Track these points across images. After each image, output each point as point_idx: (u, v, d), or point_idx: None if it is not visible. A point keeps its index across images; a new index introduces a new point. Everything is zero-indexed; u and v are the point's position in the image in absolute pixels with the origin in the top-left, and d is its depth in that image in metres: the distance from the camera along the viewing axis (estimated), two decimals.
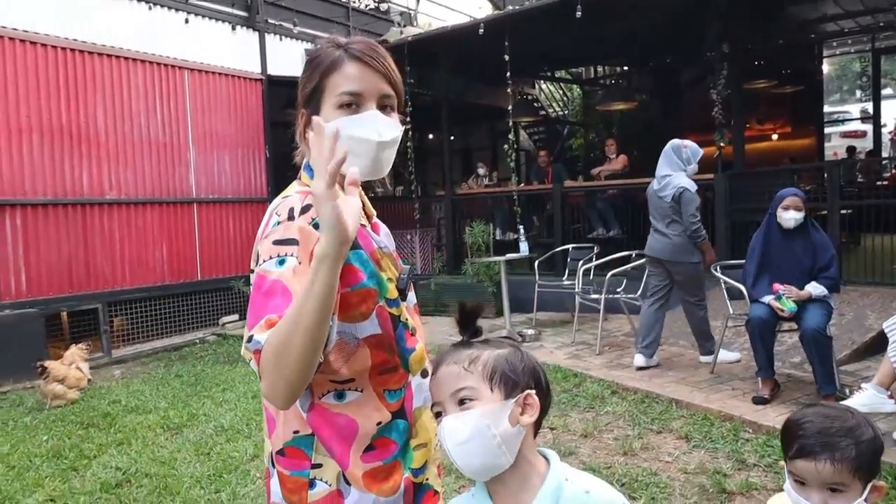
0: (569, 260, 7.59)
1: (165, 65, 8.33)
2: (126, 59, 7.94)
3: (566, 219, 8.92)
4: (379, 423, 1.26)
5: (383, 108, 1.29)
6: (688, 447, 3.92)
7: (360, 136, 1.24)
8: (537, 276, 7.41)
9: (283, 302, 1.08)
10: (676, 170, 5.39)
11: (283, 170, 10.05)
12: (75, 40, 7.48)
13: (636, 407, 4.58)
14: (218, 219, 8.85)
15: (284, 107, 9.89)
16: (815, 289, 4.37)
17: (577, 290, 6.62)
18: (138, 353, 7.51)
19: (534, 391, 1.19)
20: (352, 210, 1.07)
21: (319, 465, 1.24)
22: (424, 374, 1.36)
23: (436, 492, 1.37)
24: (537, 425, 1.21)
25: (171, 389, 5.79)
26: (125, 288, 7.78)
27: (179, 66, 8.48)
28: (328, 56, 1.28)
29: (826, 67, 16.59)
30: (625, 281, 6.52)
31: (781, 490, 3.23)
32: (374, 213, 1.43)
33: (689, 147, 5.45)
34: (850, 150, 13.42)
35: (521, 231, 7.57)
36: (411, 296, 1.42)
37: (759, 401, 4.39)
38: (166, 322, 8.18)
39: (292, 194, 1.25)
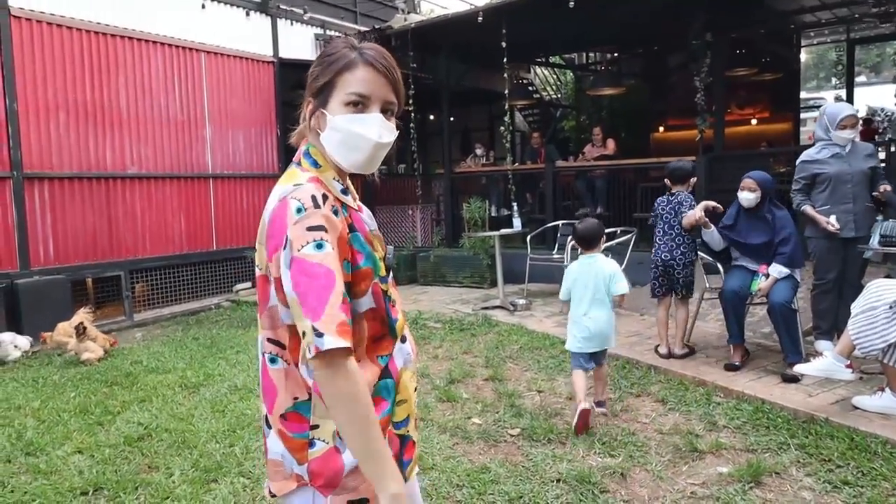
0: (559, 235, 7.58)
1: (183, 47, 8.22)
2: (147, 41, 7.83)
3: (557, 196, 8.90)
4: (374, 385, 1.32)
5: (385, 112, 1.33)
6: (664, 409, 3.96)
7: (363, 133, 1.29)
8: (529, 250, 7.41)
9: (338, 291, 1.15)
10: (821, 137, 4.63)
11: (293, 147, 9.97)
12: (99, 23, 7.36)
13: (617, 372, 4.61)
14: (232, 193, 8.81)
15: (294, 88, 9.79)
16: (776, 272, 4.37)
17: (565, 263, 6.62)
18: (158, 317, 7.53)
19: None
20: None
21: (317, 427, 1.28)
22: (403, 339, 1.42)
23: (414, 442, 1.43)
24: None
25: (189, 351, 5.81)
26: (146, 256, 7.77)
27: (197, 49, 8.36)
28: (344, 56, 1.30)
29: (803, 56, 16.39)
30: (609, 255, 6.51)
31: (749, 450, 3.27)
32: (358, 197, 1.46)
33: (827, 110, 4.63)
34: None
35: (515, 208, 7.54)
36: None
37: (730, 367, 4.43)
38: (184, 288, 8.19)
39: (304, 182, 1.26)
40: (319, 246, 1.16)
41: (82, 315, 5.81)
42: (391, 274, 1.44)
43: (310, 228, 1.17)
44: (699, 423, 3.71)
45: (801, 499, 2.86)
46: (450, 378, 4.65)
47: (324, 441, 1.28)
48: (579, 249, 4.12)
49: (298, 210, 1.19)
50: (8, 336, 5.85)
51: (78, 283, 7.20)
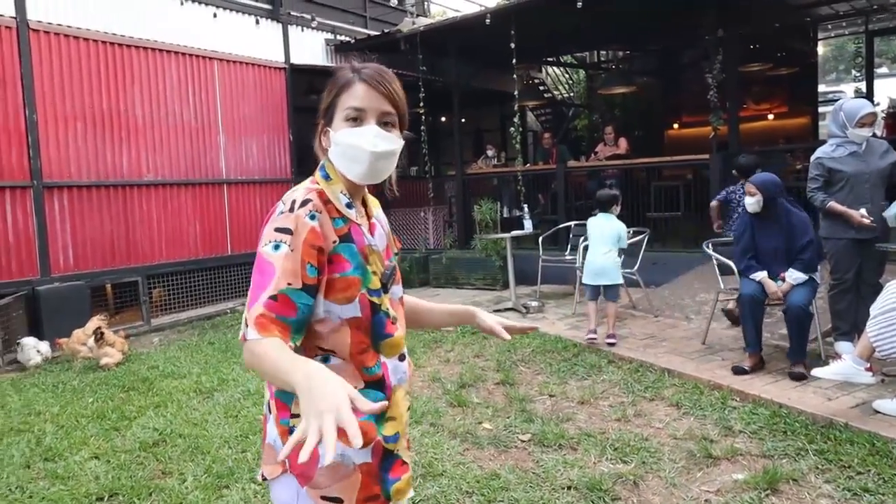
0: (571, 236, 7.52)
1: (196, 56, 8.28)
2: (161, 51, 7.89)
3: (569, 197, 8.83)
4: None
5: (384, 124, 1.38)
6: (678, 414, 3.90)
7: (357, 144, 1.35)
8: (541, 251, 7.36)
9: (269, 289, 1.23)
10: (836, 134, 4.47)
11: (305, 151, 10.03)
12: (114, 34, 7.43)
13: (631, 376, 4.56)
14: (246, 198, 8.85)
15: (306, 93, 9.82)
16: (793, 278, 4.28)
17: (577, 264, 6.56)
18: (175, 321, 7.59)
19: None
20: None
21: (297, 416, 1.31)
22: (402, 357, 1.46)
23: (404, 462, 1.45)
24: None
25: (204, 356, 5.85)
26: (162, 262, 7.84)
27: (209, 57, 8.42)
28: (343, 78, 1.40)
29: (821, 49, 16.08)
30: (623, 256, 6.45)
31: (766, 456, 3.20)
32: (375, 213, 1.52)
33: (844, 107, 4.42)
34: None
35: (526, 210, 7.49)
36: (397, 289, 1.51)
37: (738, 370, 4.35)
38: (200, 293, 8.25)
39: (300, 188, 1.36)
40: (276, 247, 1.26)
41: (98, 321, 5.87)
42: (396, 291, 1.49)
43: (276, 230, 1.29)
44: (714, 428, 3.64)
45: None
46: (461, 382, 4.62)
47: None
48: (597, 209, 5.59)
49: (280, 212, 1.31)
50: (31, 341, 5.93)
51: (96, 289, 7.28)
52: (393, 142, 1.38)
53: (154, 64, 7.82)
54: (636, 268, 6.21)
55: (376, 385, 1.38)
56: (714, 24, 7.21)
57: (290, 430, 1.33)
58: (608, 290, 5.39)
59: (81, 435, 3.99)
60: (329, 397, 0.98)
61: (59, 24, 6.96)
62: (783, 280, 4.33)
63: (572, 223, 7.74)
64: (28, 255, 6.67)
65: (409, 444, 1.52)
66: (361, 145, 1.35)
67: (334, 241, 1.32)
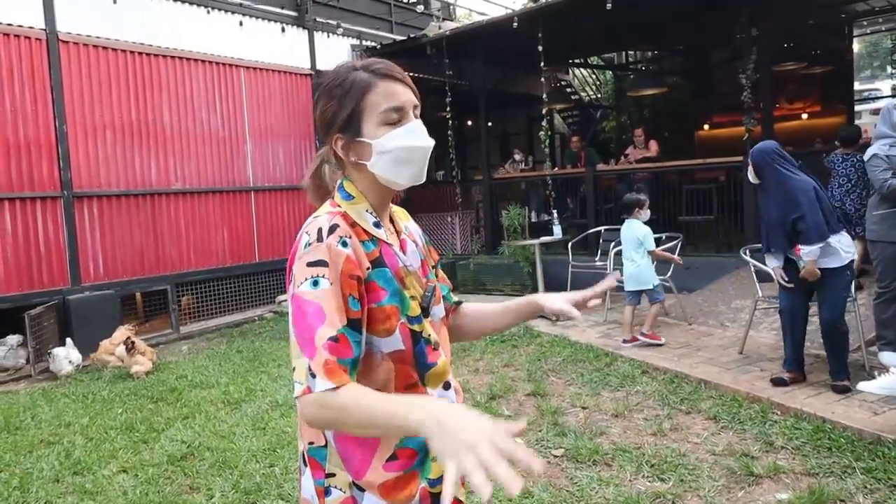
0: (601, 241, 7.38)
1: (223, 64, 8.34)
2: (187, 59, 7.97)
3: (599, 201, 8.69)
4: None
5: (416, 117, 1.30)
6: (716, 428, 3.76)
7: (415, 144, 1.25)
8: (571, 257, 7.24)
9: (325, 330, 1.10)
10: (888, 134, 4.26)
11: None
12: (142, 44, 7.52)
13: (666, 387, 4.42)
14: (273, 205, 8.89)
15: None
16: (806, 253, 3.92)
17: (608, 271, 6.43)
18: (203, 329, 7.63)
19: None
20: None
21: (333, 475, 1.24)
22: (447, 386, 1.34)
23: (459, 500, 1.35)
24: None
25: (232, 365, 5.85)
26: (191, 270, 7.89)
27: (236, 65, 8.47)
28: (357, 80, 1.26)
29: (856, 45, 15.63)
30: (655, 262, 6.30)
31: (810, 474, 3.06)
32: (404, 230, 1.39)
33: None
34: None
35: (555, 215, 7.37)
36: (438, 310, 1.38)
37: (777, 382, 4.17)
38: (228, 300, 8.29)
39: (322, 214, 1.24)
40: (315, 283, 1.13)
41: (124, 332, 5.91)
42: (437, 312, 1.36)
43: (310, 264, 1.15)
44: (755, 444, 3.50)
45: None
46: (490, 393, 4.53)
47: (340, 490, 1.23)
48: (623, 214, 5.67)
49: (307, 245, 1.18)
50: (62, 351, 5.99)
51: (127, 298, 7.35)
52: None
53: (181, 73, 7.89)
54: (669, 274, 6.05)
55: None
56: (747, 22, 7.02)
57: (326, 490, 1.24)
58: (647, 293, 5.46)
59: (110, 448, 4.00)
60: (469, 426, 0.89)
61: (89, 35, 7.06)
62: (799, 256, 4.03)
63: (602, 228, 7.60)
64: (59, 265, 6.76)
65: (464, 481, 1.41)
66: (418, 143, 1.26)
67: (367, 268, 1.21)
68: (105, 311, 6.78)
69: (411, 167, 1.26)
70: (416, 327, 1.26)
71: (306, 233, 1.20)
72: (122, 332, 5.93)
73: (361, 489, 1.22)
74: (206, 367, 5.85)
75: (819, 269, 3.97)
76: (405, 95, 1.26)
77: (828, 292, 4.04)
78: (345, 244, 1.17)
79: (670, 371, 4.67)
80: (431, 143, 1.29)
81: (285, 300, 8.68)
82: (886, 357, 4.28)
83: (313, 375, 1.07)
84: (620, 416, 4.02)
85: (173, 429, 4.27)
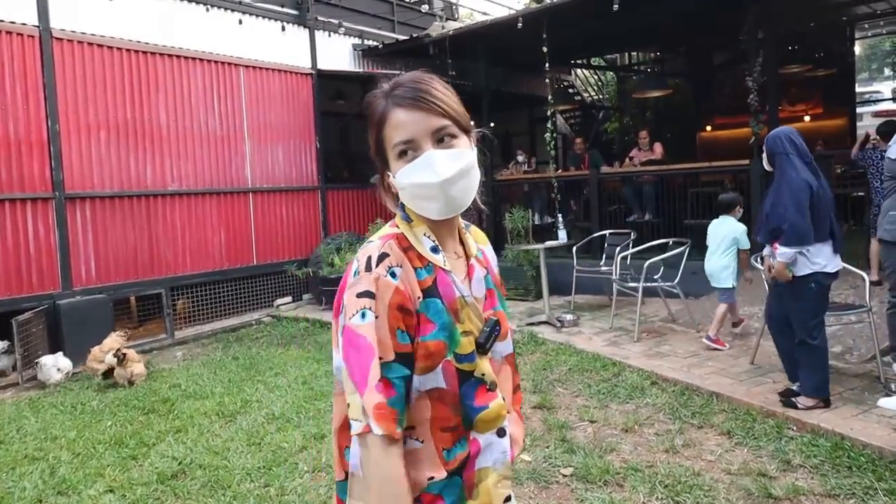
0: (606, 245, 7.22)
1: (222, 62, 8.14)
2: (185, 58, 7.78)
3: (603, 204, 8.53)
4: (431, 479, 1.14)
5: (441, 140, 1.16)
6: (730, 444, 3.60)
7: (423, 180, 1.14)
8: (575, 261, 7.08)
9: (375, 366, 1.07)
10: None
11: (332, 158, 9.85)
12: (139, 42, 7.33)
13: (676, 399, 4.25)
14: (272, 207, 8.69)
15: (333, 98, 9.66)
16: (780, 254, 3.72)
17: (614, 277, 6.26)
18: (199, 334, 7.44)
19: None
20: None
21: None
22: (501, 433, 1.21)
23: None
24: None
25: (227, 373, 5.66)
26: (186, 273, 7.69)
27: (235, 64, 8.28)
28: (377, 108, 1.18)
29: (857, 48, 15.52)
30: (662, 268, 6.15)
31: (830, 496, 2.87)
32: (475, 252, 1.27)
33: None
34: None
35: (560, 219, 7.20)
36: (502, 346, 1.28)
37: (786, 396, 3.99)
38: (225, 304, 8.10)
39: (375, 240, 1.17)
40: (363, 316, 1.08)
41: (115, 339, 5.72)
42: (503, 349, 1.27)
43: (358, 295, 1.10)
44: (771, 462, 3.35)
45: None
46: None
47: None
48: (719, 212, 5.52)
49: (355, 273, 1.13)
50: (50, 359, 5.79)
51: (120, 301, 7.16)
52: (461, 157, 1.15)
53: (179, 71, 7.70)
54: (677, 280, 5.90)
55: (457, 470, 1.16)
56: (753, 25, 6.88)
57: None
58: (718, 292, 5.46)
59: (97, 464, 3.81)
60: None
61: (83, 32, 6.86)
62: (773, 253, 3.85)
63: (607, 232, 7.44)
64: (49, 268, 6.56)
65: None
66: (426, 180, 1.13)
67: (418, 297, 1.12)
68: (97, 317, 6.58)
69: (432, 202, 1.15)
70: (465, 366, 1.16)
71: (356, 259, 1.15)
72: (112, 339, 5.73)
73: None
74: (201, 375, 5.66)
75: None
76: (414, 125, 1.14)
77: (791, 300, 3.85)
78: (393, 275, 1.10)
79: (680, 382, 4.50)
80: (448, 173, 1.13)
81: (284, 304, 8.55)
82: None
83: (366, 414, 1.05)
84: (630, 431, 3.85)
85: (164, 443, 4.08)
